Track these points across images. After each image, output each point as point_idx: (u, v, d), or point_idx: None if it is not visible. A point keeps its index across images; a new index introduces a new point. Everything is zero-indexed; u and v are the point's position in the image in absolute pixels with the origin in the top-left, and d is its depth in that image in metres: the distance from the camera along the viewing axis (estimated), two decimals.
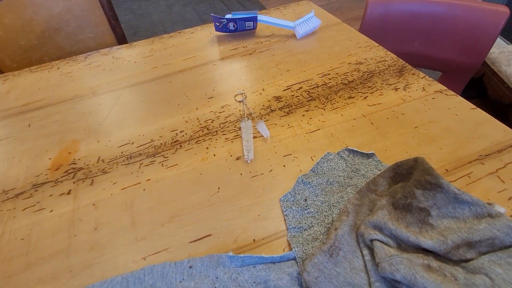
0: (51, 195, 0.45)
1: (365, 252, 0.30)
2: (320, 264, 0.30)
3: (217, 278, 0.33)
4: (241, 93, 0.61)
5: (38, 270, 0.36)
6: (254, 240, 0.37)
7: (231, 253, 0.34)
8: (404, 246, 0.29)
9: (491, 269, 0.25)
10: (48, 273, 0.36)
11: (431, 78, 0.59)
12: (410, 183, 0.31)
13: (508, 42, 1.60)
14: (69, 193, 0.45)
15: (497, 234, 0.26)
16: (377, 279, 0.28)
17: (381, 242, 0.29)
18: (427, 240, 0.28)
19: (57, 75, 0.74)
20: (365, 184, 0.37)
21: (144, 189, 0.45)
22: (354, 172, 0.42)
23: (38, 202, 0.45)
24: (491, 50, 1.36)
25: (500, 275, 0.24)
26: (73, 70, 0.75)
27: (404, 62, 0.65)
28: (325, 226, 0.36)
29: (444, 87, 0.57)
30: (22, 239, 0.40)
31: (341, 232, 0.32)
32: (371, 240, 0.30)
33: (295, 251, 0.34)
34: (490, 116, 0.50)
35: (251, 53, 0.73)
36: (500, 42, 1.66)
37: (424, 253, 0.28)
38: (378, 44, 0.72)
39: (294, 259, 0.33)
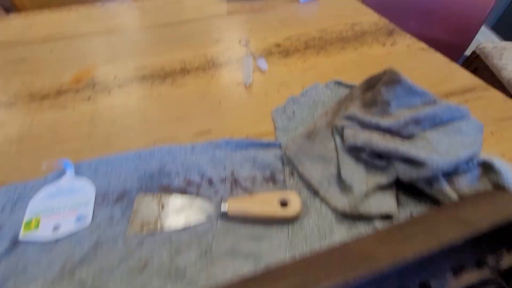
0: (73, 99, 0.52)
1: (337, 139, 0.37)
2: (300, 143, 0.37)
3: (214, 155, 0.39)
4: (245, 39, 0.68)
5: (63, 146, 0.43)
6: (247, 135, 0.44)
7: (227, 138, 0.41)
8: (368, 130, 0.36)
9: (429, 135, 0.32)
10: (71, 149, 0.43)
11: (416, 39, 0.66)
12: (379, 84, 0.37)
13: (501, 38, 1.67)
14: (89, 99, 0.52)
15: (437, 112, 0.33)
16: (344, 153, 0.35)
17: (350, 128, 0.36)
18: (385, 121, 0.34)
19: (76, 16, 0.80)
20: (343, 95, 0.44)
21: (155, 99, 0.51)
22: (337, 97, 0.49)
23: (62, 104, 0.51)
24: (485, 45, 1.42)
25: (434, 137, 0.31)
26: (91, 13, 0.81)
27: (394, 25, 0.72)
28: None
29: (426, 46, 0.64)
30: (49, 127, 0.47)
31: (319, 125, 0.39)
32: (343, 128, 0.37)
33: (281, 140, 0.40)
34: (462, 68, 0.57)
35: (257, 11, 0.80)
36: (494, 38, 1.73)
37: (382, 132, 0.35)
38: (374, 12, 0.78)
39: (280, 146, 0.40)
